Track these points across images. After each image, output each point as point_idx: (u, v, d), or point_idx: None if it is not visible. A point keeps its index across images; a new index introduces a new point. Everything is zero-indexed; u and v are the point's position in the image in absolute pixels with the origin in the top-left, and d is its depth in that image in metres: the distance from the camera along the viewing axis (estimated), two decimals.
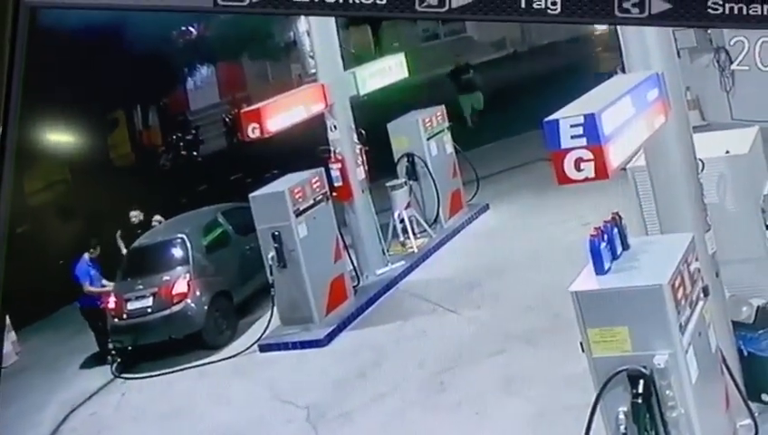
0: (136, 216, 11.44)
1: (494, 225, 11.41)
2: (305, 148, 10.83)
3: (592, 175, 4.02)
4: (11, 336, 10.55)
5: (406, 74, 11.44)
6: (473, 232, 11.42)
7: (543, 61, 18.66)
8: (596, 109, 4.14)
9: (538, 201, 11.26)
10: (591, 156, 4.01)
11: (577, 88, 4.78)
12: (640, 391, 4.36)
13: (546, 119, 4.15)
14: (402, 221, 10.91)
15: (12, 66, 1.50)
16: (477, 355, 7.77)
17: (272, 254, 9.17)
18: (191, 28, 20.96)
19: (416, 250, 10.79)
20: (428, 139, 11.55)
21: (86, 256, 10.03)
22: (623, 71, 5.46)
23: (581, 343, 4.56)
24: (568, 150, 4.02)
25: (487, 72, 18.86)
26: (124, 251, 11.03)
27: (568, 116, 4.09)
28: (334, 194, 10.04)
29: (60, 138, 16.80)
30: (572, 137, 4.03)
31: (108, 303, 9.94)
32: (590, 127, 4.02)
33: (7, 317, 8.71)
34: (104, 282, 10.07)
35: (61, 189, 17.39)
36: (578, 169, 4.01)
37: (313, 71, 10.16)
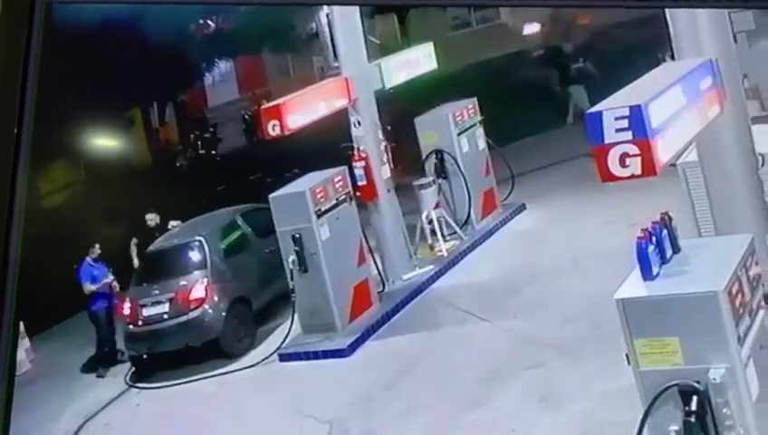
0: (152, 219, 11.55)
1: (531, 226, 11.29)
2: (328, 145, 10.84)
3: (639, 171, 3.94)
4: (24, 343, 10.74)
5: (435, 65, 11.38)
6: (508, 234, 11.31)
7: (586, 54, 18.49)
8: (643, 100, 4.04)
9: (579, 201, 11.11)
10: (638, 151, 3.92)
11: (621, 77, 4.69)
12: (694, 408, 4.25)
13: (588, 111, 4.08)
14: (431, 222, 10.85)
15: (27, 62, 1.50)
16: (513, 368, 7.67)
17: (292, 257, 9.18)
18: (209, 21, 21.15)
19: (445, 254, 10.72)
20: (459, 134, 11.48)
21: (88, 258, 10.17)
22: (672, 58, 5.34)
23: (627, 356, 4.46)
24: (612, 145, 3.94)
25: (522, 63, 18.71)
26: (136, 263, 11.14)
27: (612, 108, 4.01)
28: (358, 194, 10.02)
29: (74, 137, 17.06)
30: (617, 130, 3.95)
31: (122, 309, 10.05)
32: (637, 119, 3.94)
33: (21, 323, 8.89)
34: (110, 276, 10.18)
35: (75, 191, 17.66)
36: (623, 165, 3.93)
37: (336, 63, 10.16)
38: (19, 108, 1.51)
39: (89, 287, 10.05)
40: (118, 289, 10.25)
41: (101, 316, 10.16)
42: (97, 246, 10.27)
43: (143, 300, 9.89)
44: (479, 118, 11.85)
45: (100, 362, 10.24)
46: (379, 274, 10.13)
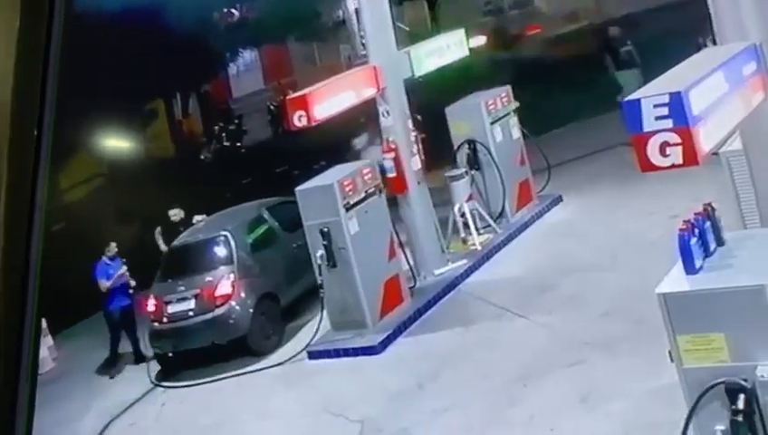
0: (176, 214, 11.68)
1: (568, 218, 11.21)
2: (356, 136, 10.86)
3: (680, 161, 3.90)
4: (47, 341, 10.94)
5: (466, 52, 11.33)
6: (544, 227, 11.25)
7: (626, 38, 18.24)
8: (683, 86, 4.00)
9: (618, 191, 11.01)
10: (679, 139, 3.88)
11: (659, 63, 4.63)
12: (741, 407, 4.21)
13: (626, 98, 4.03)
14: (463, 215, 10.83)
15: (48, 54, 1.54)
16: (550, 366, 7.65)
17: (320, 252, 9.23)
18: (233, 10, 21.27)
19: (479, 248, 10.70)
20: (492, 123, 11.43)
21: (104, 257, 10.30)
22: (714, 42, 5.26)
23: (670, 352, 4.43)
24: (652, 133, 3.90)
25: (557, 48, 18.54)
26: (164, 248, 11.27)
27: (651, 95, 3.97)
28: (388, 186, 10.03)
29: (96, 130, 17.31)
30: (656, 118, 3.91)
31: (146, 306, 10.17)
32: (677, 106, 3.89)
33: (43, 321, 9.05)
34: (123, 267, 10.29)
35: (98, 185, 17.93)
36: (663, 154, 3.89)
37: (364, 52, 10.15)
38: (40, 101, 1.54)
39: (104, 284, 10.21)
40: (133, 285, 10.31)
41: (116, 316, 10.29)
42: (113, 244, 10.41)
43: (168, 296, 10.01)
44: (513, 106, 11.78)
45: (113, 364, 10.35)
46: (411, 269, 10.15)
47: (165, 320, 9.96)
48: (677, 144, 3.89)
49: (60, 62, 1.61)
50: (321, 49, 21.81)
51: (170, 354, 10.03)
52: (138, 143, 18.79)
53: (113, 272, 10.22)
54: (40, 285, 1.61)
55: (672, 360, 4.43)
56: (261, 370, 9.45)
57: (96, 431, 9.12)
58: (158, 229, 11.66)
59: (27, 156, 1.54)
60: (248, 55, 22.63)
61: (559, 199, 11.82)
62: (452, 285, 10.05)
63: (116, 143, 17.80)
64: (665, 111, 3.91)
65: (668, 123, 3.90)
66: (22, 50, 1.51)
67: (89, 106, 14.67)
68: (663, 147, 3.90)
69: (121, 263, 10.32)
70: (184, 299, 9.93)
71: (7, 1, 1.51)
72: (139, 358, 10.37)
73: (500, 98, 11.67)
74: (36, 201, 1.57)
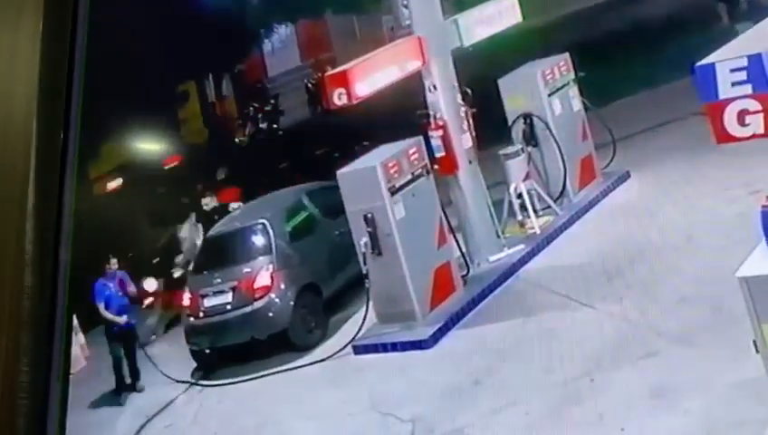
0: (208, 203, 11.86)
1: (637, 197, 11.05)
2: (401, 113, 10.85)
3: (761, 130, 3.82)
4: (79, 339, 11.24)
5: (519, 19, 11.22)
6: (610, 207, 11.11)
7: None
8: (764, 47, 3.90)
9: (691, 166, 10.80)
10: (759, 107, 3.80)
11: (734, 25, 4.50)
12: None
13: (698, 63, 3.95)
14: (520, 196, 10.76)
15: (74, 33, 1.58)
16: (621, 359, 7.57)
17: (364, 240, 9.28)
18: None
19: (538, 231, 10.62)
20: (550, 95, 11.31)
21: (106, 273, 10.01)
22: None
23: (755, 342, 4.35)
24: (728, 101, 3.83)
25: (620, 9, 18.20)
26: (199, 241, 11.46)
27: (726, 58, 3.89)
28: (436, 167, 10.02)
29: (124, 116, 17.63)
30: (733, 84, 3.83)
31: (182, 300, 10.37)
32: (757, 70, 3.80)
33: (74, 318, 9.29)
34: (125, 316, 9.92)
35: (126, 175, 18.27)
36: (742, 123, 3.81)
37: (408, 22, 10.13)
38: (67, 86, 1.59)
39: (105, 313, 9.94)
40: (133, 293, 10.25)
41: (117, 337, 10.03)
42: (113, 260, 10.12)
43: (204, 290, 10.18)
44: (573, 76, 11.63)
45: (121, 390, 10.12)
46: (463, 256, 10.13)
47: (201, 315, 10.13)
48: (758, 112, 3.82)
49: (86, 46, 1.66)
50: (361, 21, 21.81)
51: (207, 351, 10.20)
52: (169, 128, 19.09)
53: (110, 293, 9.95)
54: (71, 282, 1.67)
55: (757, 350, 4.36)
56: (303, 366, 9.56)
57: (132, 431, 9.34)
58: (192, 219, 11.83)
59: (54, 147, 1.59)
60: (283, 31, 22.75)
61: (626, 176, 11.64)
62: (509, 272, 10.00)
63: (146, 129, 18.11)
64: (743, 75, 3.83)
65: (747, 89, 3.82)
66: (46, 42, 1.55)
67: (115, 91, 14.94)
68: (741, 115, 3.82)
69: (118, 281, 10.01)
70: (221, 292, 10.09)
71: None
72: (119, 386, 10.07)
73: (558, 67, 11.53)
74: (65, 195, 1.62)
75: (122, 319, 10.02)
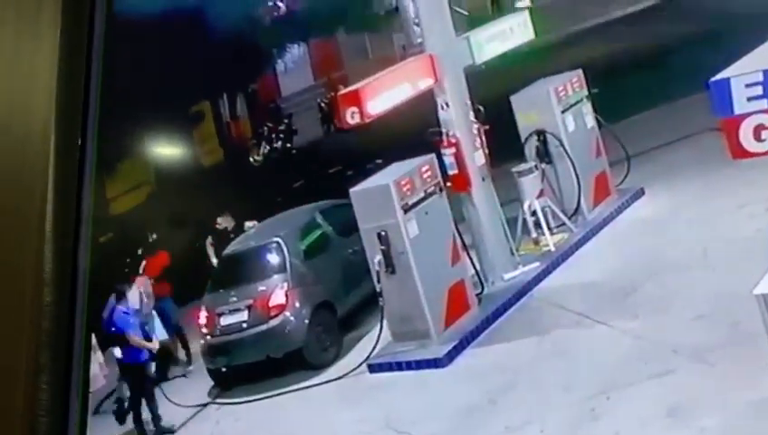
0: (222, 222, 11.91)
1: (652, 214, 10.99)
2: (413, 132, 10.88)
3: None
4: (97, 357, 11.26)
5: (532, 36, 11.24)
6: (624, 224, 11.06)
7: (702, 11, 17.80)
8: None
9: (707, 182, 10.74)
10: None
11: (748, 41, 4.50)
12: None
13: (713, 79, 3.95)
14: (534, 214, 10.73)
15: (90, 57, 1.61)
16: (636, 377, 7.51)
17: (378, 257, 9.27)
18: (279, 2, 21.57)
19: (553, 249, 10.58)
20: (563, 111, 11.30)
21: (122, 304, 9.58)
22: None
23: None
24: (744, 116, 3.81)
25: (632, 26, 18.23)
26: (215, 261, 11.50)
27: (741, 73, 3.87)
28: (449, 184, 10.02)
29: (140, 136, 17.77)
30: (749, 99, 3.82)
31: (198, 318, 10.39)
32: None
33: (93, 336, 9.29)
34: (157, 331, 9.60)
35: (144, 194, 18.40)
36: (758, 138, 3.79)
37: (420, 40, 10.17)
38: (83, 110, 1.61)
39: (141, 342, 9.40)
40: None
41: (133, 371, 9.55)
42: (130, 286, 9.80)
43: (220, 308, 10.20)
44: (586, 92, 11.63)
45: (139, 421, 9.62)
46: (477, 274, 10.11)
47: (218, 333, 10.15)
48: None
49: (102, 67, 1.68)
50: (372, 40, 21.94)
51: (223, 369, 10.21)
52: (184, 148, 19.23)
53: (132, 319, 9.51)
54: (89, 299, 1.68)
55: None
56: (319, 385, 9.53)
57: None
58: (209, 240, 11.86)
59: (72, 165, 1.61)
60: (296, 51, 22.90)
61: (640, 193, 11.60)
62: (524, 290, 9.96)
63: (162, 149, 18.25)
64: (758, 90, 3.82)
65: (763, 104, 3.81)
66: (63, 57, 1.57)
67: (131, 111, 15.07)
68: (758, 130, 3.81)
69: (137, 320, 9.60)
70: (237, 310, 10.11)
71: (49, 5, 1.58)
72: (120, 415, 9.77)
73: (571, 83, 11.53)
74: (83, 211, 1.64)
75: (154, 344, 9.55)
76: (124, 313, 9.64)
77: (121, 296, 9.68)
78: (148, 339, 9.73)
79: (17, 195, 1.57)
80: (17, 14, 1.57)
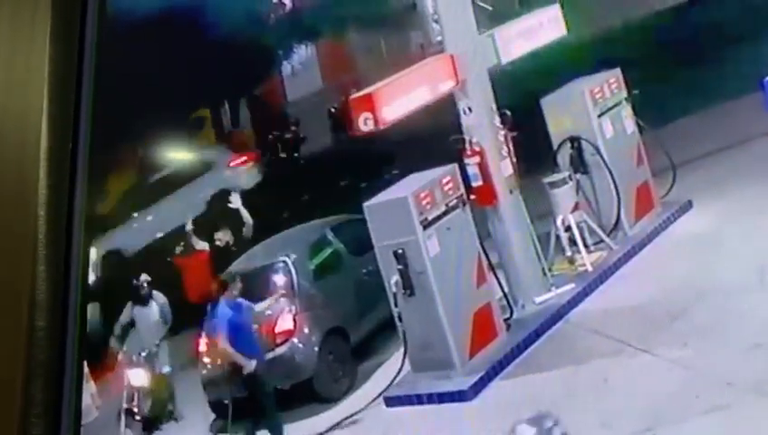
0: (221, 238, 11.97)
1: (701, 229, 10.97)
2: (433, 139, 10.93)
3: None
4: (90, 387, 11.33)
5: (564, 32, 11.28)
6: (670, 240, 11.04)
7: (757, 2, 17.77)
8: None
9: (763, 194, 10.72)
10: None
11: None
12: None
13: (767, 77, 3.96)
14: (569, 229, 10.74)
15: (81, 59, 1.65)
16: (686, 412, 7.49)
17: (395, 278, 9.30)
18: (284, 0, 21.73)
19: (590, 268, 10.58)
20: (600, 115, 11.33)
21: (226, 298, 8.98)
22: None
23: None
24: None
25: (673, 20, 18.22)
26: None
27: None
28: (473, 197, 10.05)
29: (135, 144, 17.89)
30: None
31: (198, 345, 10.43)
32: None
33: (85, 364, 9.31)
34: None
35: (138, 207, 18.49)
36: None
37: (439, 38, 10.23)
38: (74, 115, 1.65)
39: (230, 350, 9.06)
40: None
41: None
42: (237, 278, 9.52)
43: None
44: (625, 93, 11.65)
45: None
46: (505, 296, 10.11)
47: (219, 362, 10.19)
48: None
49: (96, 68, 1.72)
50: (387, 39, 22.04)
51: (226, 402, 10.23)
52: (183, 157, 19.33)
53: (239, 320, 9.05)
54: (81, 328, 1.71)
55: None
56: (330, 429, 9.40)
57: None
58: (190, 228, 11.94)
59: (64, 180, 1.65)
60: (304, 52, 23.03)
61: (688, 206, 11.58)
62: (557, 315, 9.95)
63: (158, 159, 18.36)
64: None
65: None
66: (54, 56, 1.62)
67: (126, 117, 15.21)
68: None
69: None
70: None
71: (42, 7, 1.62)
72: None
73: (608, 84, 11.55)
74: (74, 224, 1.67)
75: (251, 364, 9.09)
76: (236, 303, 9.10)
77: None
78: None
79: (10, 201, 1.61)
80: (11, 17, 1.62)
